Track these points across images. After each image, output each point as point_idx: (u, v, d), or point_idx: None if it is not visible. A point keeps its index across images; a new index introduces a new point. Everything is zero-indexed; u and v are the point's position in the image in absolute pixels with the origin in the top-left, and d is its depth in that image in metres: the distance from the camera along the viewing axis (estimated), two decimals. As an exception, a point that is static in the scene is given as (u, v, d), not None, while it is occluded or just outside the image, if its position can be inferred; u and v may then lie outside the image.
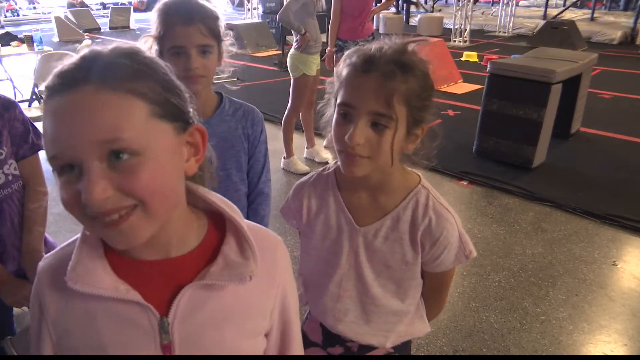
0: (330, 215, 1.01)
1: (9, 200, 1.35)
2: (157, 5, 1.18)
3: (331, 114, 0.93)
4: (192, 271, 0.65)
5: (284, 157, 3.93)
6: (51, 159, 0.55)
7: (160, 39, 1.17)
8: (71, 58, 0.58)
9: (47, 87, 0.57)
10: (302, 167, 3.87)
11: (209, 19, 1.17)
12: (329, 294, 1.04)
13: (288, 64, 3.71)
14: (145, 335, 0.62)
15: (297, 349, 0.78)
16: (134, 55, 0.58)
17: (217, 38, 1.20)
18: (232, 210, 0.68)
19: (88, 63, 0.56)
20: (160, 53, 1.17)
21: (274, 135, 4.74)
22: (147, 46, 1.17)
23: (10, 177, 1.35)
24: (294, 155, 3.90)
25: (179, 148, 0.61)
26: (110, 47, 0.58)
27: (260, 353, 0.72)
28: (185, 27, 1.13)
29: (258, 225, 0.74)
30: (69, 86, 0.54)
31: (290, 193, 1.09)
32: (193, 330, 0.64)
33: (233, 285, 0.64)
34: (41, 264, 0.67)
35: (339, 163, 0.94)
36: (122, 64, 0.56)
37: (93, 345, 0.63)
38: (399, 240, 0.97)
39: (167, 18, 1.15)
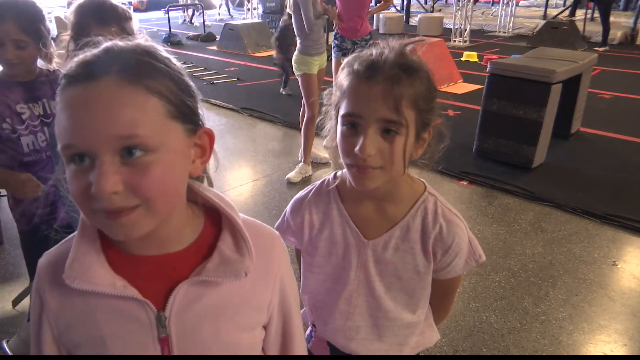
0: (335, 230, 0.96)
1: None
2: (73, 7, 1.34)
3: (332, 126, 0.90)
4: (188, 266, 0.66)
5: (301, 160, 3.80)
6: (64, 148, 0.56)
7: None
8: (93, 49, 0.58)
9: (66, 75, 0.57)
10: (305, 172, 3.74)
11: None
12: (338, 312, 1.00)
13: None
14: (143, 328, 0.64)
15: (299, 340, 0.79)
16: (153, 53, 0.59)
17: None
18: (228, 206, 0.69)
19: (110, 56, 0.57)
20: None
21: (274, 136, 4.74)
22: (64, 45, 1.32)
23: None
24: (309, 164, 3.75)
25: (188, 150, 0.62)
26: (132, 43, 0.60)
27: (258, 345, 0.74)
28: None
29: (255, 220, 0.75)
30: (88, 77, 0.55)
31: (287, 209, 1.03)
32: (189, 323, 0.65)
33: (229, 281, 0.65)
34: (42, 259, 0.69)
35: (347, 176, 0.89)
36: (142, 60, 0.57)
37: (93, 338, 0.64)
38: (410, 251, 0.94)
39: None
